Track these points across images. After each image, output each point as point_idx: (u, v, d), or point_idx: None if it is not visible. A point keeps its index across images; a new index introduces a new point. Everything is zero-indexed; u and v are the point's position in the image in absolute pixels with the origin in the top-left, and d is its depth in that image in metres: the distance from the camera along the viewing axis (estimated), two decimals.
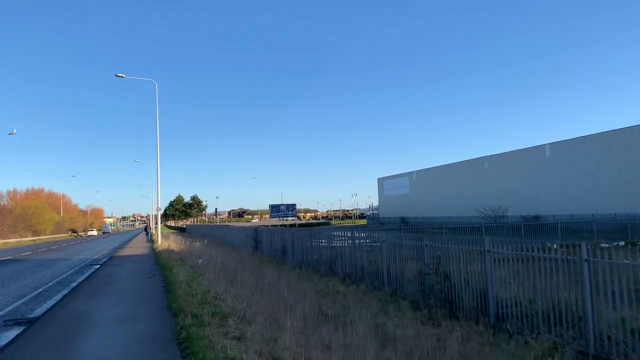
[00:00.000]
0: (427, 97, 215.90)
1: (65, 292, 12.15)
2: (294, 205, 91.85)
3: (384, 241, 13.13)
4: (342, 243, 17.11)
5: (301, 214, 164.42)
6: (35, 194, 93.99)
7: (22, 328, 7.78)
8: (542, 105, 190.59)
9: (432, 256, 10.89)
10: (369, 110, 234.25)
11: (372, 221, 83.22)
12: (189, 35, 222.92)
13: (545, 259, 7.84)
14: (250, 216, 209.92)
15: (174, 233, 54.88)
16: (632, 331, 6.29)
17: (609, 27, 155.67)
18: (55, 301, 10.51)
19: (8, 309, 9.84)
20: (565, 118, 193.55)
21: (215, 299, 8.19)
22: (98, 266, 19.94)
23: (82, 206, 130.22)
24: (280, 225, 75.69)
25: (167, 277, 13.04)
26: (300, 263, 19.83)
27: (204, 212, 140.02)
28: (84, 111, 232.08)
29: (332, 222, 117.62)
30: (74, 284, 13.75)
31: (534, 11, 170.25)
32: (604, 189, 43.82)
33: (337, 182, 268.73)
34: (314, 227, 65.69)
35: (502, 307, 8.72)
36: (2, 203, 76.78)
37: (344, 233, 17.90)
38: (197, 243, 25.91)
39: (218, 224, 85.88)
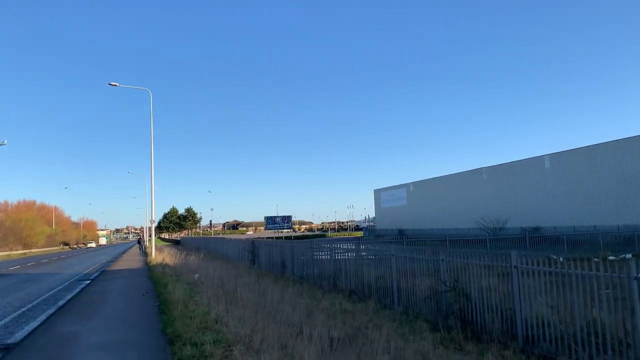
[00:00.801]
0: (424, 107, 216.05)
1: (51, 311, 11.22)
2: (289, 217, 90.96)
3: (393, 255, 12.33)
4: (345, 256, 16.30)
5: (296, 226, 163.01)
6: (27, 206, 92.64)
7: None
8: (543, 116, 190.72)
9: (449, 272, 10.09)
10: (365, 120, 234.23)
11: (369, 233, 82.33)
12: (184, 46, 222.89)
13: (584, 276, 7.04)
14: (244, 228, 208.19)
15: (168, 246, 53.78)
16: None
17: (613, 35, 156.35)
18: (39, 322, 9.59)
19: None
20: (566, 129, 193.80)
21: (216, 323, 7.32)
22: (89, 282, 18.96)
23: (74, 218, 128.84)
24: (276, 238, 74.79)
25: (161, 294, 12.13)
26: (300, 277, 18.97)
27: (198, 224, 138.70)
28: (77, 121, 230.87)
29: (328, 234, 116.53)
30: (61, 302, 12.80)
31: (536, 20, 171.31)
32: (605, 201, 43.21)
33: (332, 194, 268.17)
34: (313, 239, 64.67)
35: (531, 329, 7.92)
36: None
37: (349, 246, 17.09)
38: (192, 256, 24.95)
39: (213, 236, 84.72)
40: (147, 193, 62.88)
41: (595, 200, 44.12)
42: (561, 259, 7.05)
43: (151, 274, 19.62)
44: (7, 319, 10.36)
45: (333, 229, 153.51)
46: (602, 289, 6.77)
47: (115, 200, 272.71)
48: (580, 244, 30.83)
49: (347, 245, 17.50)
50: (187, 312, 8.41)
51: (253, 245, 27.85)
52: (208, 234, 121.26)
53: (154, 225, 31.35)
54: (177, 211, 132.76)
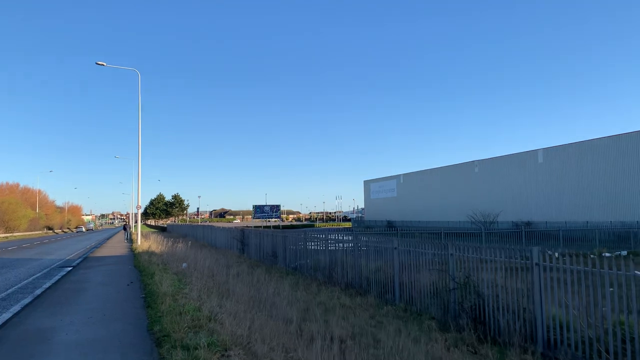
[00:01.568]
0: (414, 99, 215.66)
1: (26, 301, 10.34)
2: (278, 206, 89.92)
3: (396, 248, 11.62)
4: (341, 247, 15.58)
5: (283, 216, 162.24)
6: (10, 189, 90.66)
7: None
8: (537, 110, 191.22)
9: (459, 268, 9.39)
10: (355, 112, 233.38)
11: (358, 224, 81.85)
12: (176, 28, 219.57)
13: (619, 276, 6.36)
14: (232, 217, 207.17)
15: (154, 232, 52.70)
16: None
17: (608, 31, 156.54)
18: (11, 314, 8.70)
19: None
20: (560, 124, 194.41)
21: (210, 320, 6.52)
22: (70, 268, 18.03)
23: (59, 203, 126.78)
24: (264, 227, 74.02)
25: (147, 285, 11.27)
26: (293, 269, 18.25)
27: (185, 211, 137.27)
28: (63, 103, 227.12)
29: (316, 224, 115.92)
30: (38, 291, 11.90)
31: (530, 15, 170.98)
32: (597, 197, 42.96)
33: (321, 185, 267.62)
34: (305, 229, 63.92)
35: (553, 332, 7.27)
36: None
37: (345, 237, 16.37)
38: (180, 244, 24.07)
39: (200, 223, 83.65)
40: (135, 179, 61.68)
41: (587, 196, 43.85)
42: (593, 256, 6.36)
43: (137, 262, 18.74)
44: None
45: (321, 219, 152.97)
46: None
47: (101, 186, 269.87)
48: (576, 240, 30.48)
49: (342, 237, 16.78)
50: (176, 306, 7.60)
51: (243, 234, 27.07)
52: (195, 222, 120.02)
53: (140, 211, 30.34)
54: (163, 197, 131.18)
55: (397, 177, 76.23)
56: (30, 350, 6.04)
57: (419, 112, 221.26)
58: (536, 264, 7.54)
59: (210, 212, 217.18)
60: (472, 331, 8.21)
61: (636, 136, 40.53)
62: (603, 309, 6.46)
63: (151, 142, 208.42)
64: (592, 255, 7.36)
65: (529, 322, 7.64)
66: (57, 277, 14.95)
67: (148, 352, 5.51)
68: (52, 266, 19.34)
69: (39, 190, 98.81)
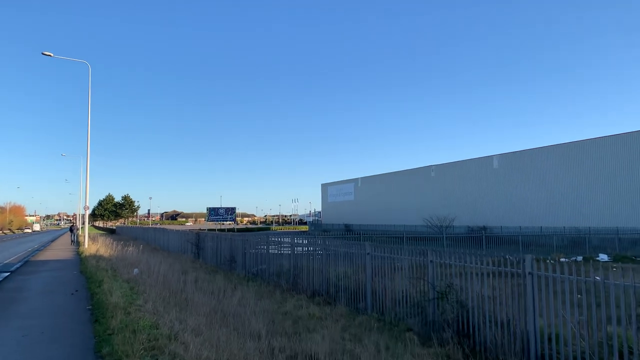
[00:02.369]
0: (371, 102, 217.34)
1: None
2: (233, 209, 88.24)
3: (368, 253, 10.91)
4: (307, 252, 14.77)
5: (238, 219, 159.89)
6: None
7: None
8: (495, 115, 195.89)
9: (440, 276, 8.76)
10: (312, 115, 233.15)
11: (315, 227, 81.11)
12: (126, 29, 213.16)
13: (627, 288, 5.84)
14: (184, 219, 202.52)
15: (102, 235, 50.21)
16: None
17: (563, 34, 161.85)
18: None
19: None
20: (517, 129, 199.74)
21: (170, 340, 5.57)
22: (7, 274, 16.41)
23: None
24: (218, 230, 72.22)
25: (95, 295, 10.08)
26: (253, 275, 17.28)
27: (135, 213, 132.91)
28: (4, 96, 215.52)
29: (272, 227, 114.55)
30: None
31: (489, 19, 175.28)
32: (551, 203, 43.96)
33: (277, 187, 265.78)
34: (260, 232, 62.70)
35: (548, 348, 6.71)
36: None
37: (309, 241, 15.57)
38: (130, 247, 22.59)
39: (151, 226, 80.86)
40: (82, 177, 58.93)
41: (541, 202, 44.82)
42: (553, 261, 5.85)
43: (83, 267, 17.29)
44: None
45: (277, 223, 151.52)
46: None
47: (46, 185, 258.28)
48: (533, 245, 30.82)
49: (305, 240, 15.98)
50: (129, 321, 6.57)
51: (198, 238, 25.83)
52: (145, 224, 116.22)
53: (88, 212, 28.54)
54: (113, 198, 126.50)
55: (355, 180, 76.10)
56: None
57: (376, 115, 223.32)
58: (529, 273, 6.97)
59: (162, 214, 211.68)
60: (457, 345, 7.57)
61: (583, 145, 41.76)
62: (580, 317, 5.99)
63: (100, 142, 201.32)
64: (551, 261, 6.89)
65: (521, 336, 7.06)
66: None
67: None
68: None
69: None
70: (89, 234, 31.79)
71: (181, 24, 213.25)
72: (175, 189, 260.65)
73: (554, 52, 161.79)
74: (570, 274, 6.45)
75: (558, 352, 6.47)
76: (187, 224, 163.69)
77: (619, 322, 6.22)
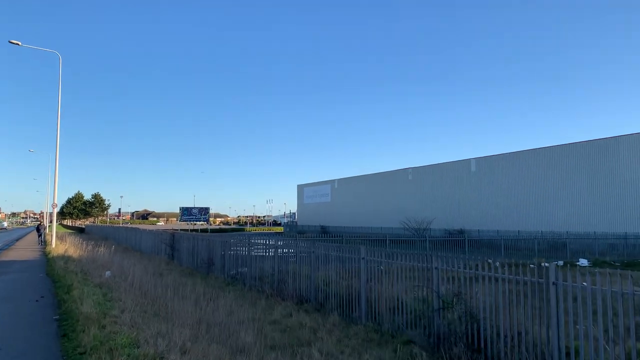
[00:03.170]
0: (348, 104, 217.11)
1: None
2: (207, 209, 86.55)
3: (363, 258, 10.16)
4: (291, 255, 13.94)
5: (210, 219, 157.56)
6: None
7: None
8: (472, 120, 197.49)
9: (449, 283, 8.06)
10: (288, 116, 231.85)
11: (290, 229, 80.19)
12: (100, 26, 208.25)
13: None
14: (155, 218, 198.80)
15: (71, 234, 48.29)
16: None
17: (540, 42, 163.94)
18: None
19: None
20: (495, 133, 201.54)
21: None
22: None
23: None
24: (191, 230, 70.56)
25: (63, 302, 9.04)
26: (233, 278, 16.37)
27: (106, 212, 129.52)
28: None
29: (247, 228, 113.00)
30: None
31: (467, 23, 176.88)
32: (528, 207, 44.10)
33: (251, 188, 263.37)
34: (235, 233, 61.41)
35: None
36: None
37: (298, 243, 14.69)
38: (101, 248, 21.34)
39: (122, 225, 78.58)
40: (50, 173, 56.78)
41: (518, 205, 44.92)
42: (532, 265, 5.25)
43: (50, 270, 16.08)
44: None
45: (251, 224, 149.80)
46: None
47: (12, 182, 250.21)
48: (514, 249, 30.63)
49: (298, 242, 15.14)
50: (105, 337, 5.65)
51: (173, 238, 24.71)
52: (116, 223, 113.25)
53: (57, 210, 27.10)
54: (82, 197, 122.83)
55: (331, 182, 75.47)
56: None
57: (353, 117, 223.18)
58: (553, 283, 6.32)
59: (132, 214, 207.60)
60: None
61: (561, 149, 42.03)
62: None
63: (71, 140, 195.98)
64: (531, 265, 6.36)
65: (541, 352, 6.42)
66: None
67: None
68: None
69: None
70: (57, 232, 30.27)
71: (154, 21, 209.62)
72: (146, 188, 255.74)
73: (534, 56, 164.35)
74: (603, 287, 5.84)
75: None
76: (159, 223, 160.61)
77: None
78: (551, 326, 6.28)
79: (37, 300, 10.05)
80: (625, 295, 5.60)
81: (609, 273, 6.44)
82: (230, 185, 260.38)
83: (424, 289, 8.48)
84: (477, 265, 7.54)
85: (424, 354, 7.39)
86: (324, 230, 62.58)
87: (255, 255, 16.02)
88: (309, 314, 10.66)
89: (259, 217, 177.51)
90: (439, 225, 49.24)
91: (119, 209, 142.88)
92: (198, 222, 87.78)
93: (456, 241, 30.19)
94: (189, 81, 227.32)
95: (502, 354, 6.74)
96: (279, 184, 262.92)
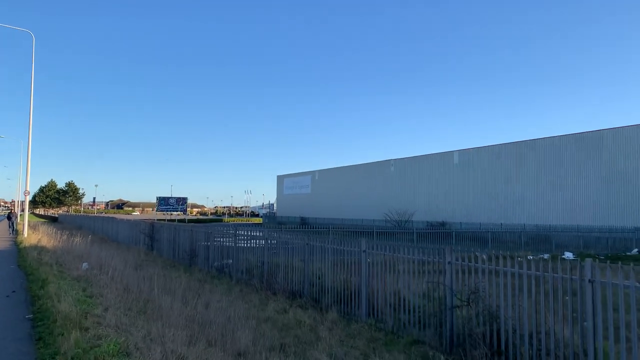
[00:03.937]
0: (329, 95, 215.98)
1: None
2: (185, 199, 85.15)
3: (364, 251, 9.48)
4: (282, 246, 13.20)
5: (188, 209, 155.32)
6: None
7: None
8: (455, 110, 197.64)
9: (463, 280, 7.44)
10: (267, 106, 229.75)
11: (269, 220, 79.28)
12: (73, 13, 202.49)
13: None
14: (130, 208, 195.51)
15: (44, 223, 46.62)
16: None
17: (523, 35, 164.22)
18: None
19: None
20: (480, 126, 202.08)
21: None
22: None
23: None
24: (168, 220, 69.14)
25: (38, 298, 8.11)
26: (218, 271, 15.59)
27: (80, 201, 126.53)
28: None
29: (224, 219, 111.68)
30: None
31: (447, 13, 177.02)
32: (510, 199, 44.10)
33: (230, 178, 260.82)
34: (214, 224, 60.35)
35: None
36: None
37: (292, 234, 13.92)
38: (77, 238, 20.25)
39: (96, 214, 76.65)
40: (22, 159, 54.79)
41: (501, 198, 44.91)
42: (520, 258, 4.68)
43: (22, 261, 15.03)
44: None
45: (229, 214, 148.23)
46: None
47: None
48: (501, 242, 30.45)
49: (286, 234, 14.39)
50: (88, 342, 4.81)
51: (152, 228, 23.74)
52: (90, 212, 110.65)
53: (29, 198, 25.81)
54: (56, 185, 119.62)
55: (312, 173, 74.73)
56: None
57: (335, 108, 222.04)
58: (589, 280, 5.72)
59: (107, 203, 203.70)
60: None
61: (544, 142, 42.07)
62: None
63: (44, 126, 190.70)
64: (518, 258, 5.79)
65: (573, 356, 5.84)
66: None
67: None
68: None
69: None
70: (29, 221, 28.91)
71: (133, 10, 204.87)
72: (122, 177, 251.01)
73: (517, 49, 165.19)
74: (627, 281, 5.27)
75: None
76: (134, 213, 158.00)
77: None
78: (587, 330, 5.69)
79: (7, 296, 9.06)
80: None
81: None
82: (209, 175, 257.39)
83: (437, 285, 7.84)
84: (497, 259, 6.92)
85: (441, 357, 6.76)
86: (303, 222, 61.89)
87: (243, 247, 15.27)
88: (305, 310, 9.98)
89: (236, 207, 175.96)
90: (420, 217, 48.96)
91: (94, 198, 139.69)
92: (175, 212, 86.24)
93: (443, 233, 29.85)
94: (168, 69, 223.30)
95: (527, 357, 6.16)
96: (258, 174, 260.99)
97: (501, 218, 42.57)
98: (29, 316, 7.03)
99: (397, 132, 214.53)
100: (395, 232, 30.04)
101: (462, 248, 26.37)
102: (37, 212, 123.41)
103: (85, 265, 12.78)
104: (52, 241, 19.59)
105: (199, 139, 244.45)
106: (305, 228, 40.16)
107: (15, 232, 34.47)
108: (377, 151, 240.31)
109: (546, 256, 25.73)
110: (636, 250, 30.71)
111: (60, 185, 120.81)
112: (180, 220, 69.96)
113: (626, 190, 36.21)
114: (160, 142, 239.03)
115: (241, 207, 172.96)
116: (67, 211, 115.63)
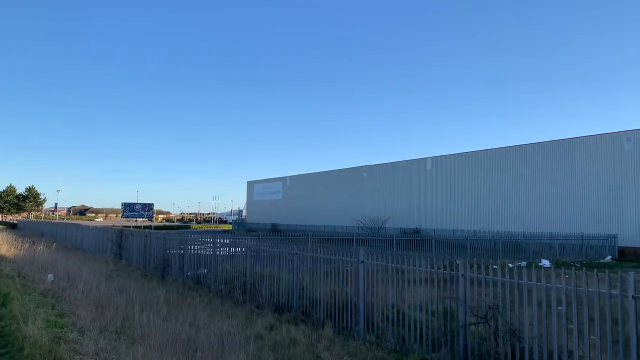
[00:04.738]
0: (302, 100, 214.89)
1: None
2: (151, 205, 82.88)
3: (362, 262, 8.77)
4: (264, 254, 12.39)
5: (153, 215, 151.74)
6: None
7: None
8: (429, 119, 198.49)
9: (477, 294, 6.81)
10: (237, 110, 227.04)
11: (238, 226, 77.91)
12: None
13: None
14: (93, 214, 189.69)
15: (2, 230, 44.24)
16: None
17: (500, 42, 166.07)
18: None
19: None
20: (453, 134, 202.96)
21: None
22: None
23: None
24: (133, 227, 67.01)
25: None
26: (195, 282, 14.61)
27: (41, 206, 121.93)
28: None
29: (192, 225, 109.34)
30: None
31: (419, 25, 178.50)
32: (484, 206, 44.23)
33: (197, 184, 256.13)
34: (182, 230, 58.61)
35: None
36: None
37: (279, 243, 13.09)
38: (40, 246, 18.89)
39: (58, 221, 73.71)
40: None
41: (474, 205, 45.00)
42: (495, 267, 4.16)
43: None
44: None
45: (196, 221, 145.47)
46: None
47: None
48: (478, 249, 30.24)
49: (270, 242, 13.57)
50: None
51: (121, 236, 22.48)
52: (51, 219, 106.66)
53: None
54: (15, 190, 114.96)
55: (283, 179, 73.84)
56: None
57: (308, 113, 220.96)
58: (633, 296, 5.16)
59: (69, 209, 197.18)
60: None
61: (517, 150, 42.44)
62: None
63: (3, 129, 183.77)
64: (494, 266, 5.27)
65: None
66: None
67: None
68: None
69: None
70: None
71: (98, 10, 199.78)
72: (84, 182, 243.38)
73: (493, 57, 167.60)
74: None
75: None
76: (98, 219, 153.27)
77: None
78: (630, 347, 5.12)
79: None
80: None
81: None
82: (174, 181, 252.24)
83: (449, 300, 7.19)
84: (519, 272, 6.32)
85: None
86: (275, 228, 60.93)
87: (222, 256, 14.38)
88: (296, 326, 9.19)
89: (203, 214, 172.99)
90: (394, 224, 48.63)
91: (55, 204, 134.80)
92: (140, 219, 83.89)
93: (422, 241, 29.45)
94: (133, 70, 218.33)
95: None
96: (226, 181, 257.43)
97: (475, 225, 42.58)
98: None
99: (370, 140, 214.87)
100: (375, 239, 29.45)
101: (442, 255, 25.98)
102: None
103: (50, 276, 11.68)
104: (12, 249, 18.16)
105: (163, 146, 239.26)
106: (277, 235, 39.26)
107: None
108: (351, 158, 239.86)
109: (523, 264, 25.58)
110: (609, 257, 31.06)
111: (20, 190, 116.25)
112: (146, 227, 67.94)
113: (598, 197, 36.70)
114: (125, 147, 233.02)
115: (208, 214, 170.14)
116: (27, 217, 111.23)
